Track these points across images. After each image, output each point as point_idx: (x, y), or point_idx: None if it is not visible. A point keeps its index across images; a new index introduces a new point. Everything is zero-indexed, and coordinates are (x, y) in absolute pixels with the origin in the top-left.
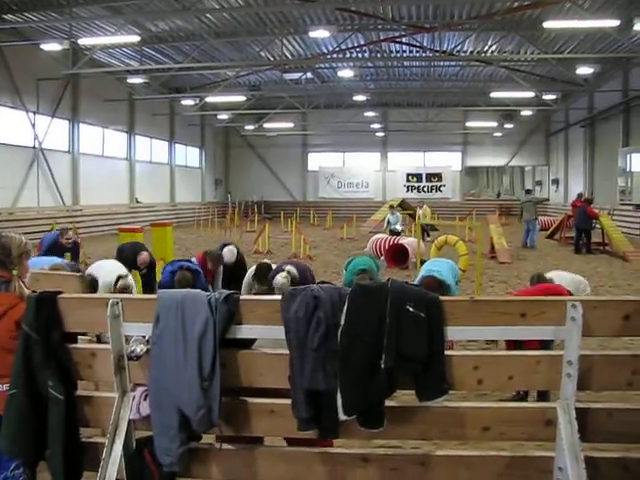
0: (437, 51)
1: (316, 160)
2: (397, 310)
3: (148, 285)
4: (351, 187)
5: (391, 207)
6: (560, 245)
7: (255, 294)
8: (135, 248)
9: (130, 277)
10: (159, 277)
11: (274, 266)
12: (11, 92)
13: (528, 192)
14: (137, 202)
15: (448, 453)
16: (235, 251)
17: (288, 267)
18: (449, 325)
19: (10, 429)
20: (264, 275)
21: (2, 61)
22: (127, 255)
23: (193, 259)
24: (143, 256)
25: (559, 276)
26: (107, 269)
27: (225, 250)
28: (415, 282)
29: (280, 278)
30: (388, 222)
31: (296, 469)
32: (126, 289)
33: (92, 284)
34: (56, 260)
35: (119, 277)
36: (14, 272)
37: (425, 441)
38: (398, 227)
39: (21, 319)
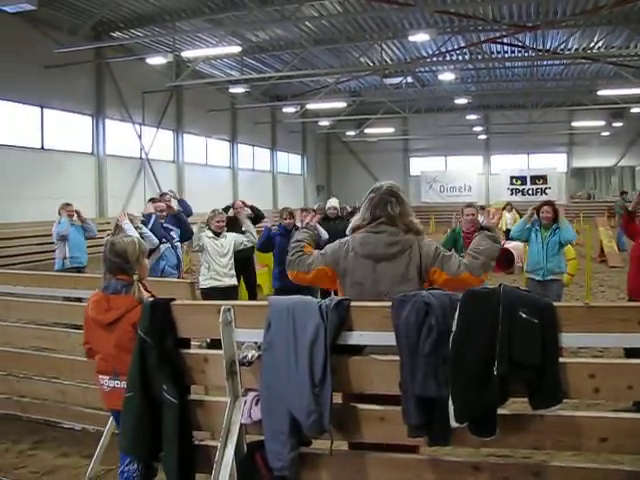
0: (540, 50)
1: (418, 165)
2: (510, 316)
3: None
4: (454, 191)
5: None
6: None
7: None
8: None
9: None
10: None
11: None
12: (119, 105)
13: (622, 194)
14: None
15: (563, 464)
16: (337, 200)
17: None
18: (563, 332)
19: (127, 430)
20: None
21: (110, 76)
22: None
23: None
24: (238, 202)
25: None
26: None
27: (328, 202)
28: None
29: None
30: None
31: (406, 476)
32: (216, 210)
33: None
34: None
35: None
36: (134, 277)
37: (536, 451)
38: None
39: (138, 322)
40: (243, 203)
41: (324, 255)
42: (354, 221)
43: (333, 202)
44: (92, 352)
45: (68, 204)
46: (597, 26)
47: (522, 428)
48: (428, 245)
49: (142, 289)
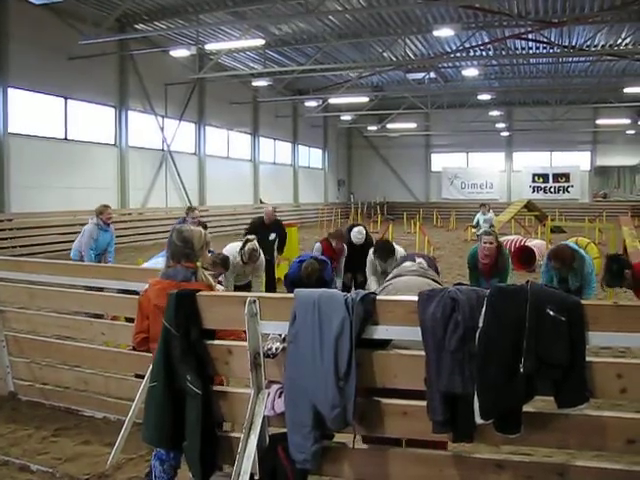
0: (566, 46)
1: (439, 161)
2: (537, 313)
3: (279, 246)
4: (475, 188)
5: (482, 205)
6: None
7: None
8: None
9: (256, 241)
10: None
11: (396, 246)
12: (141, 97)
13: None
14: (261, 203)
15: (589, 464)
16: (364, 232)
17: (420, 259)
18: (591, 330)
19: (150, 419)
20: (384, 250)
21: (133, 68)
22: (255, 221)
23: (317, 245)
24: (269, 209)
25: None
26: (233, 245)
27: (354, 231)
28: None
29: (409, 264)
30: (477, 224)
31: (428, 472)
32: (254, 251)
33: (224, 262)
34: None
35: (247, 240)
36: (198, 263)
37: (557, 450)
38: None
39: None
40: None
41: None
42: None
43: (357, 237)
44: (145, 342)
45: (107, 206)
46: (625, 22)
47: (547, 426)
48: None
49: (207, 275)
